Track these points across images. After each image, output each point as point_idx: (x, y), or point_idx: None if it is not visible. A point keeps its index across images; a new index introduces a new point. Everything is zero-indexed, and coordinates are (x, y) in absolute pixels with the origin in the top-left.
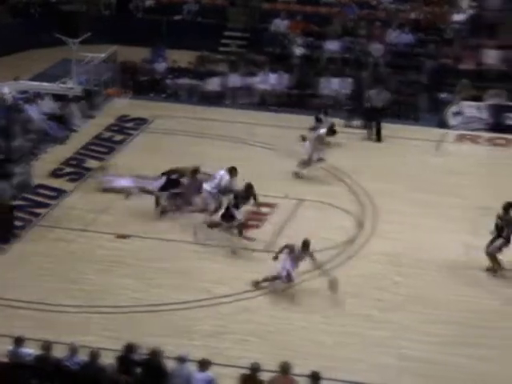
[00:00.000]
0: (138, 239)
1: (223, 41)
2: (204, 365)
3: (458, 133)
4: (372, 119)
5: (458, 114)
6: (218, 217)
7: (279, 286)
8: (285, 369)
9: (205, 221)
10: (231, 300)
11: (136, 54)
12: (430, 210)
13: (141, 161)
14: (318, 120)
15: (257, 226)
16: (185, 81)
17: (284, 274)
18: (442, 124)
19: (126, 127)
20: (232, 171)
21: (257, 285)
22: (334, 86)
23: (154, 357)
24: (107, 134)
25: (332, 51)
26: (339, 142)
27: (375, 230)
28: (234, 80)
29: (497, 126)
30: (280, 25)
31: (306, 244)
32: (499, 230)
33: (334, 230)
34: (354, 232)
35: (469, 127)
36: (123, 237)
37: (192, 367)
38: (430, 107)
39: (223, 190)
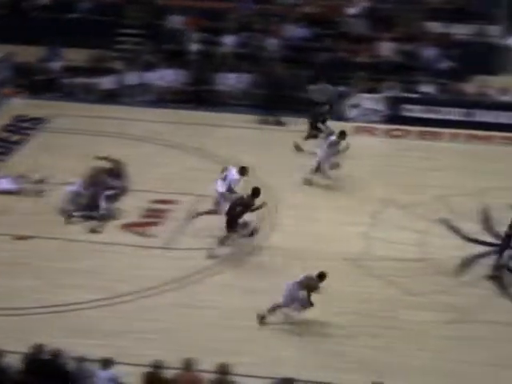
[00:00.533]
0: (39, 240)
1: (119, 38)
2: (107, 363)
3: (356, 125)
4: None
5: (354, 106)
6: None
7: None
8: (188, 365)
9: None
10: (134, 298)
11: (32, 54)
12: (330, 202)
13: (39, 161)
14: (317, 129)
15: (157, 224)
16: (81, 79)
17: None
18: (340, 117)
19: (22, 127)
20: (242, 171)
21: (262, 319)
22: (231, 81)
23: (57, 357)
24: (4, 135)
25: (229, 47)
26: (239, 136)
27: (276, 225)
28: (131, 77)
29: (393, 118)
30: (176, 21)
31: (322, 276)
32: (508, 238)
33: None
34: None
35: (366, 119)
36: (23, 238)
37: (95, 366)
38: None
39: (232, 191)
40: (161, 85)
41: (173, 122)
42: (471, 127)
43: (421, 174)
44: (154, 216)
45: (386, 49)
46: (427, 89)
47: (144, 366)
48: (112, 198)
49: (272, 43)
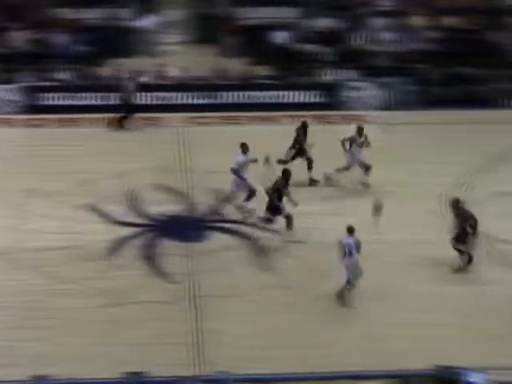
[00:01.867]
0: None
1: None
2: None
3: None
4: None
5: None
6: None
7: None
8: None
9: None
10: None
11: None
12: None
13: None
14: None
15: None
16: None
17: None
18: None
19: None
20: (243, 147)
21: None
22: None
23: None
24: None
25: None
26: None
27: None
28: None
29: (30, 107)
30: None
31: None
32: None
33: None
34: None
35: (2, 111)
36: None
37: None
38: None
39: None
40: None
41: None
42: (105, 111)
43: (63, 161)
44: None
45: (18, 38)
46: (63, 76)
47: None
48: None
49: None
